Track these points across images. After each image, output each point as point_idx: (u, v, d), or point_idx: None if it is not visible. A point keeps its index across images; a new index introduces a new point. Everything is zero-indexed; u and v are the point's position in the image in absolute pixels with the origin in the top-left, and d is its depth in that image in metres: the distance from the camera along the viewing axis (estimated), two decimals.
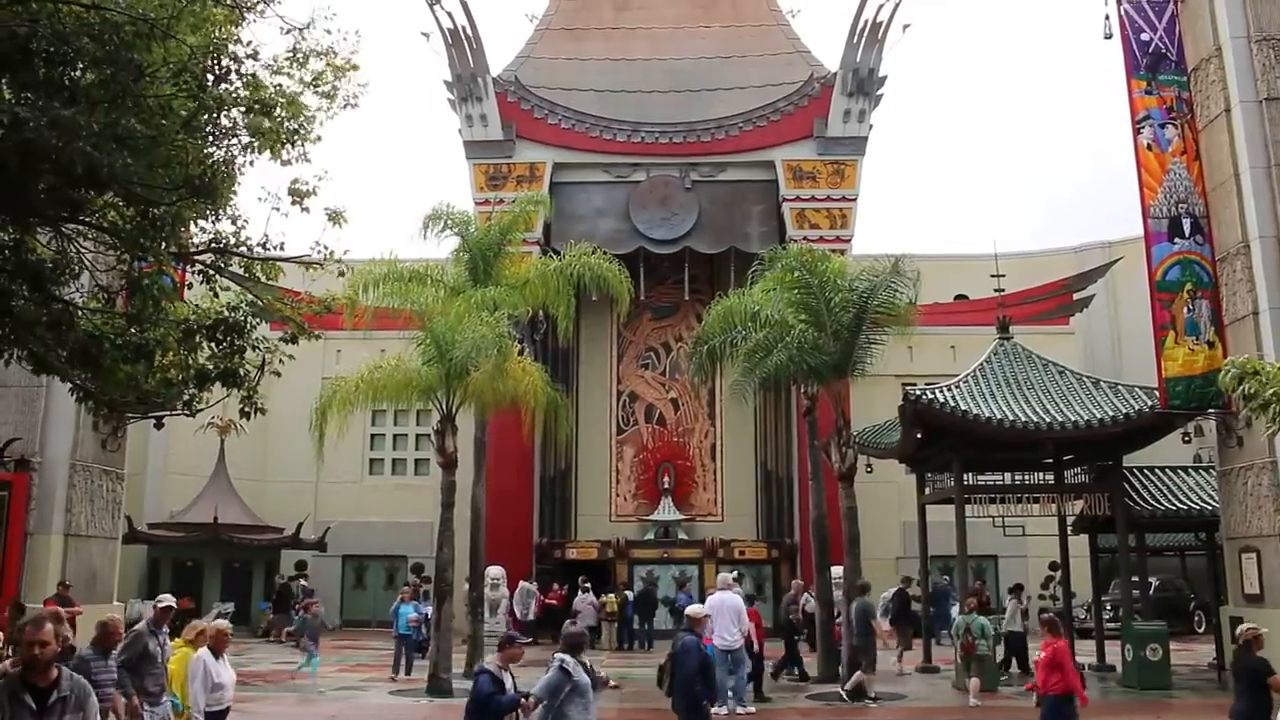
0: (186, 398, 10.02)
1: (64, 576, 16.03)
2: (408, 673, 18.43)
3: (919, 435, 18.62)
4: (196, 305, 9.63)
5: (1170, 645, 17.58)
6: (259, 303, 9.67)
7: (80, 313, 8.78)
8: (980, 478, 19.52)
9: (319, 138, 8.71)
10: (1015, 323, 21.23)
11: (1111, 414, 17.54)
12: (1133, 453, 19.38)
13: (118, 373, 8.79)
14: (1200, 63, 17.81)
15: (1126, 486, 19.02)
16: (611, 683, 9.06)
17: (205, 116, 8.03)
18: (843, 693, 16.16)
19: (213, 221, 8.95)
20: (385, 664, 19.05)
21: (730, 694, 14.68)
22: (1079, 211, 72.24)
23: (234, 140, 8.49)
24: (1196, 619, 26.18)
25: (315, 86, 8.64)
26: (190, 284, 12.22)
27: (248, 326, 9.36)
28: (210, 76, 7.96)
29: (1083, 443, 18.58)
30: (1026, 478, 19.80)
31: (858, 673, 16.07)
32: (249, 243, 8.93)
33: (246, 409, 9.57)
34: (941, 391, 18.28)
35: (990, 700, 16.03)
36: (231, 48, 8.19)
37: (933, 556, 22.10)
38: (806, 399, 20.09)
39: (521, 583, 26.97)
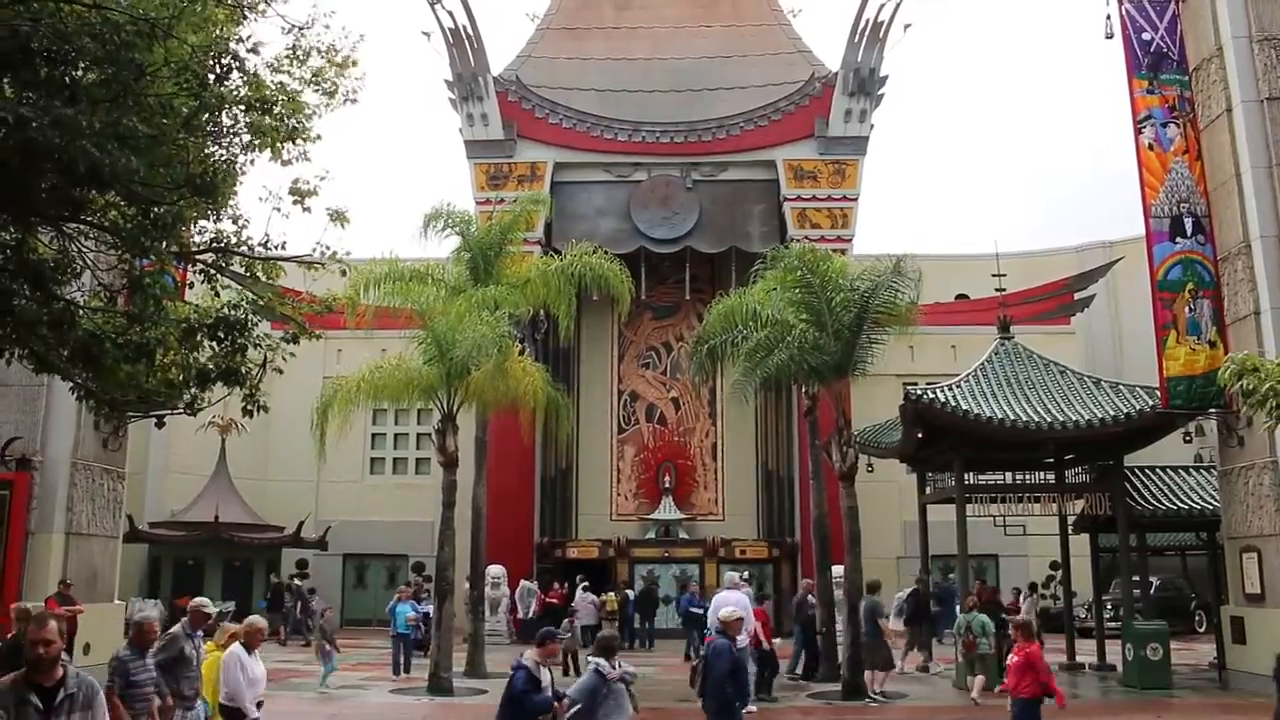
0: (188, 397, 10.02)
1: (65, 575, 16.02)
2: (406, 671, 18.44)
3: (920, 435, 18.62)
4: (197, 305, 9.63)
5: (1171, 645, 17.59)
6: (260, 301, 9.67)
7: (81, 312, 8.78)
8: (981, 477, 19.53)
9: (319, 135, 8.71)
10: (1016, 322, 21.24)
11: (1112, 414, 17.54)
12: (1134, 452, 19.38)
13: (119, 372, 8.79)
14: (1202, 62, 17.81)
15: (1127, 486, 19.02)
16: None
17: (206, 115, 8.04)
18: (874, 694, 16.13)
19: (214, 221, 8.96)
20: (386, 663, 19.05)
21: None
22: (1080, 211, 72.27)
23: (235, 139, 8.49)
24: (1197, 618, 26.18)
25: (315, 83, 8.64)
26: (191, 283, 12.21)
27: (249, 325, 9.36)
28: (211, 75, 7.96)
29: (1084, 442, 18.58)
30: (1027, 477, 19.80)
31: (879, 671, 16.12)
32: (250, 242, 8.93)
33: (249, 407, 9.57)
34: (942, 391, 18.28)
35: (990, 700, 16.03)
36: (233, 46, 8.20)
37: (934, 556, 22.12)
38: (807, 398, 20.09)
39: (523, 581, 27.02)
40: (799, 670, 18.39)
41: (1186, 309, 17.29)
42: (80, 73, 7.26)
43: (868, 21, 29.54)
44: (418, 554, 29.14)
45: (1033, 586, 22.02)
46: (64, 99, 6.90)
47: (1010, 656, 10.72)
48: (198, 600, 9.56)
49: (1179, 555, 27.19)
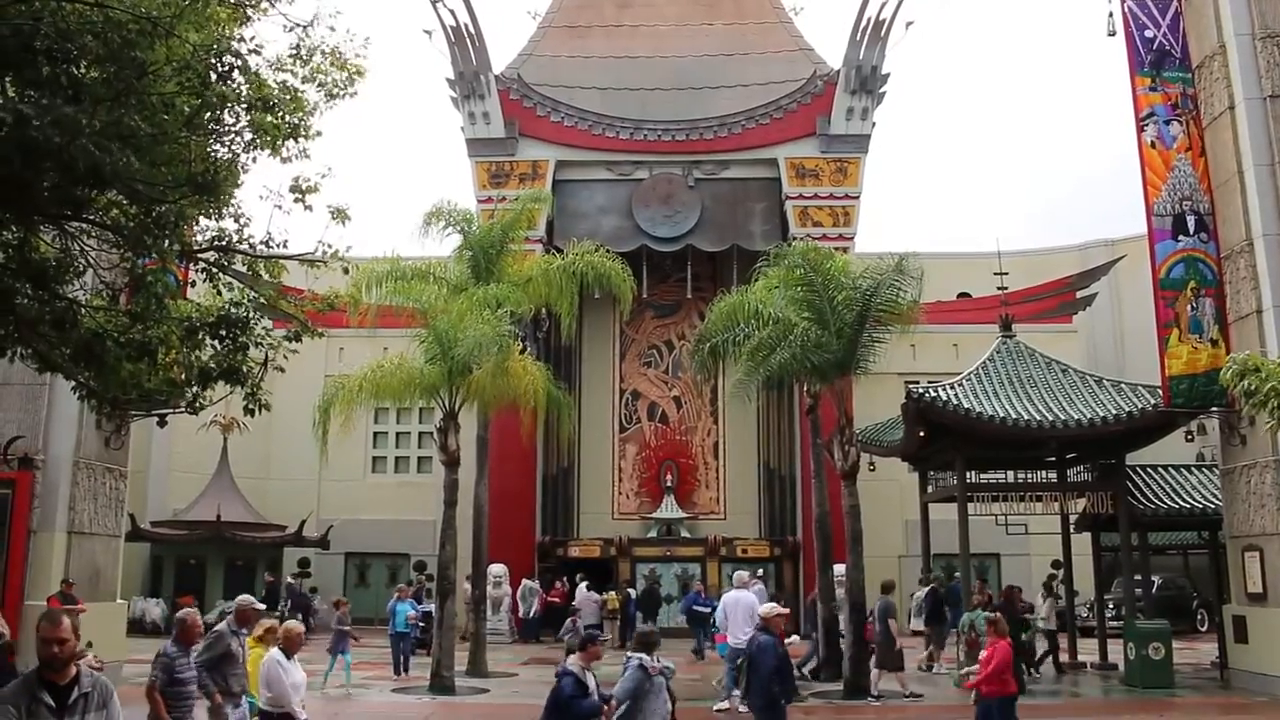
0: (189, 395, 10.00)
1: (67, 574, 16.05)
2: (406, 671, 18.44)
3: (922, 433, 18.62)
4: (199, 303, 9.62)
5: (1173, 644, 17.57)
6: (262, 299, 9.66)
7: (84, 310, 8.77)
8: (983, 476, 19.52)
9: (320, 133, 8.69)
10: (1018, 321, 21.21)
11: (1114, 412, 17.52)
12: (1136, 451, 19.37)
13: (121, 370, 8.77)
14: (1204, 60, 17.79)
15: (1129, 485, 19.01)
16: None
17: (208, 114, 8.03)
18: (876, 693, 16.13)
19: (216, 219, 8.94)
20: (387, 662, 19.05)
21: (736, 691, 14.71)
22: (1082, 209, 72.19)
23: (237, 138, 8.48)
24: (1199, 618, 26.17)
25: (315, 80, 8.62)
26: (193, 282, 12.21)
27: (251, 323, 9.35)
28: (213, 74, 7.95)
29: (1085, 441, 18.56)
30: (1029, 476, 19.79)
31: (889, 671, 16.14)
32: (252, 240, 8.91)
33: (250, 406, 9.55)
34: (944, 390, 18.27)
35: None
36: (235, 45, 8.18)
37: (935, 555, 22.11)
38: (809, 397, 20.09)
39: (525, 580, 27.06)
40: (806, 670, 18.40)
41: (1189, 307, 17.27)
42: (82, 71, 7.25)
43: (869, 19, 29.52)
44: (419, 553, 29.15)
45: (1049, 586, 21.81)
46: (66, 97, 6.89)
47: (982, 653, 10.66)
48: (244, 598, 9.51)
49: (1181, 554, 27.24)
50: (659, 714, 7.93)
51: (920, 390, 18.05)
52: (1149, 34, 18.19)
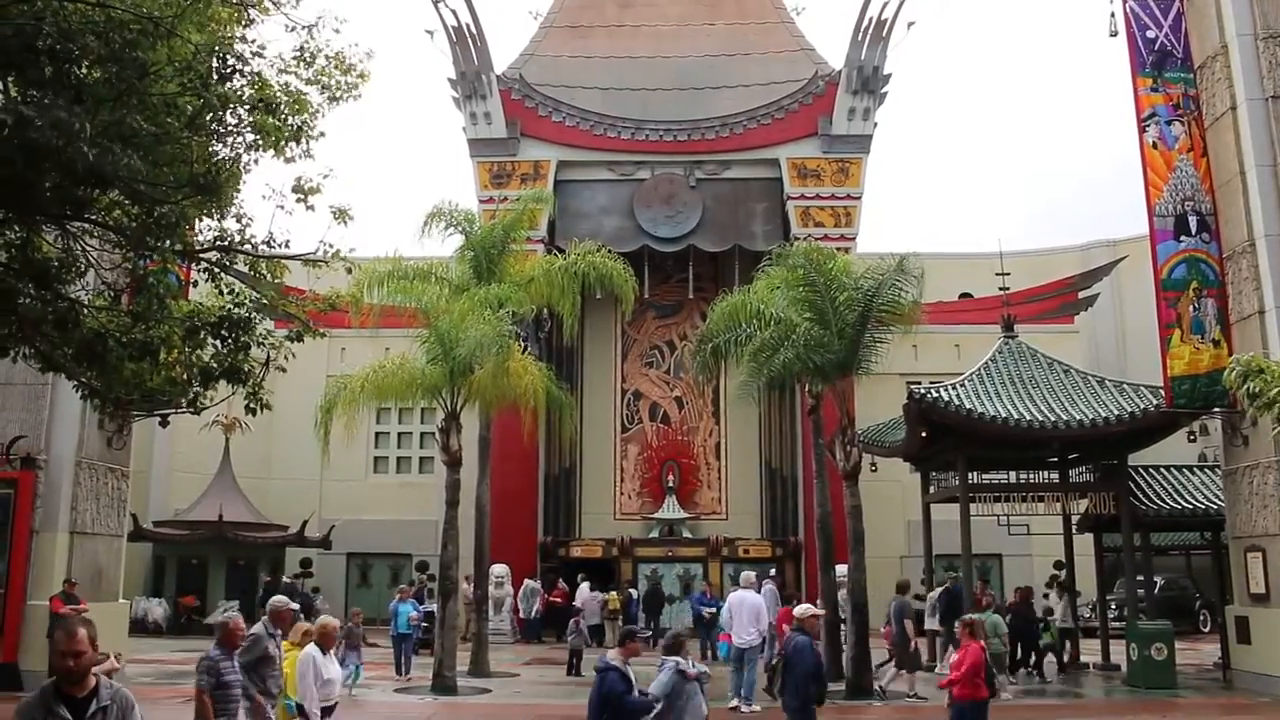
0: (191, 395, 10.02)
1: (69, 574, 16.05)
2: (407, 671, 18.43)
3: (924, 434, 18.60)
4: (201, 303, 9.63)
5: (1175, 645, 17.56)
6: (263, 300, 9.67)
7: (86, 310, 8.78)
8: (985, 476, 19.51)
9: (322, 133, 8.70)
10: (1020, 321, 21.19)
11: (1116, 413, 17.50)
12: (1138, 452, 19.36)
13: (123, 370, 8.79)
14: (1206, 60, 17.77)
15: (1131, 485, 19.00)
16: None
17: (210, 115, 8.04)
18: (912, 692, 16.15)
19: (218, 219, 8.96)
20: (388, 662, 19.04)
21: (739, 691, 14.73)
22: (1084, 209, 72.17)
23: (239, 138, 8.49)
24: (1202, 618, 26.14)
25: (319, 83, 8.62)
26: (195, 282, 12.23)
27: (252, 323, 9.36)
28: (215, 75, 7.96)
29: (1088, 441, 18.55)
30: (1031, 476, 19.78)
31: (905, 672, 16.14)
32: (254, 240, 8.92)
33: (252, 405, 9.57)
34: (946, 390, 18.26)
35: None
36: (237, 46, 8.19)
37: (937, 555, 22.10)
38: (811, 397, 20.07)
39: (526, 580, 27.05)
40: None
41: (1191, 308, 17.25)
42: (84, 71, 7.26)
43: (871, 19, 29.51)
44: (421, 553, 29.14)
45: (1064, 587, 21.73)
46: (68, 98, 6.90)
47: (954, 655, 10.64)
48: (279, 598, 9.45)
49: (1183, 555, 27.20)
50: (697, 717, 7.87)
51: (922, 390, 18.04)
52: (1151, 34, 18.17)
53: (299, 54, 8.49)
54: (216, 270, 9.21)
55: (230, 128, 8.36)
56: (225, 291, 9.42)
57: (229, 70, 8.01)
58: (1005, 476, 19.70)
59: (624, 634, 7.97)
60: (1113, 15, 18.41)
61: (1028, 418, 17.63)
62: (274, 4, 8.37)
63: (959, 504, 18.64)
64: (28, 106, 6.69)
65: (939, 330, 27.17)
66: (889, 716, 15.20)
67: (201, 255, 9.08)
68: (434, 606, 19.59)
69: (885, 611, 17.37)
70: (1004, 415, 17.59)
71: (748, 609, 15.16)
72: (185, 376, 9.60)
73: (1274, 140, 16.59)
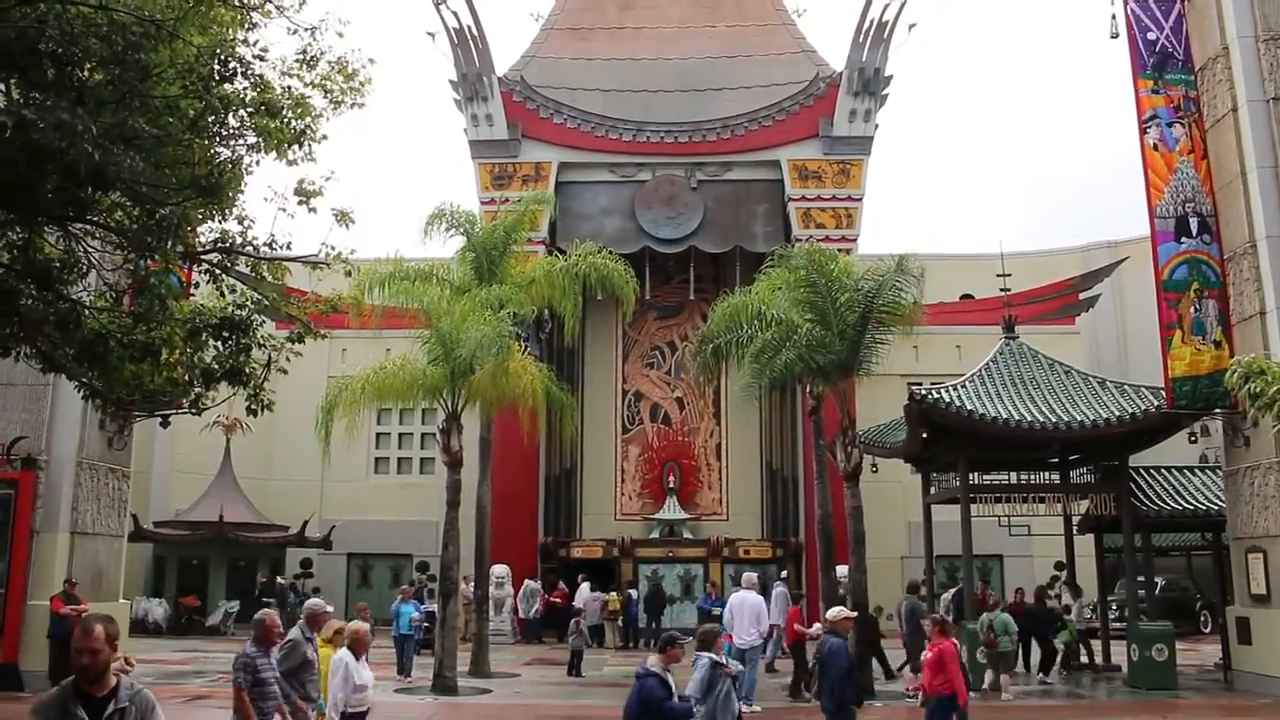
0: (192, 396, 10.04)
1: (70, 574, 16.07)
2: (408, 672, 18.44)
3: (924, 435, 18.61)
4: (202, 305, 9.64)
5: (1176, 645, 17.57)
6: (265, 301, 9.68)
7: (87, 311, 8.80)
8: (986, 477, 19.51)
9: (325, 137, 8.72)
10: (1021, 322, 21.20)
11: (1117, 414, 17.51)
12: (1139, 452, 19.36)
13: (124, 371, 8.81)
14: (1207, 62, 17.78)
15: (1132, 486, 18.99)
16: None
17: (212, 117, 8.05)
18: (912, 692, 16.16)
19: (219, 221, 8.97)
20: (390, 662, 19.05)
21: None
22: (1084, 211, 72.14)
23: (240, 141, 8.50)
24: (1202, 619, 26.13)
25: (323, 88, 8.64)
26: (197, 283, 12.25)
27: (254, 324, 9.37)
28: (217, 77, 7.97)
29: (1088, 442, 18.56)
30: (1032, 477, 19.78)
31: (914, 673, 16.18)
32: (255, 242, 8.94)
33: (253, 406, 9.58)
34: (947, 391, 18.27)
35: (991, 699, 16.06)
36: (239, 50, 8.21)
37: (938, 556, 22.10)
38: (812, 398, 20.08)
39: (527, 581, 27.07)
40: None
41: (1192, 309, 17.25)
42: (86, 73, 7.27)
43: (872, 21, 29.52)
44: (422, 554, 29.16)
45: (1074, 585, 21.70)
46: (70, 100, 6.92)
47: (926, 654, 10.66)
48: (315, 601, 9.40)
49: (1184, 556, 27.23)
50: (731, 714, 7.84)
51: (923, 391, 18.05)
52: (1151, 36, 18.18)
53: (302, 57, 8.51)
54: (218, 272, 9.22)
55: (232, 130, 8.38)
56: (227, 293, 9.43)
57: (231, 73, 8.02)
58: (1006, 477, 19.70)
59: (664, 640, 7.77)
60: (1114, 17, 18.42)
61: (1029, 419, 17.63)
62: (277, 7, 8.39)
63: (960, 505, 18.64)
64: (30, 109, 6.70)
65: (940, 331, 27.18)
66: (889, 716, 15.20)
67: (203, 257, 9.10)
68: (434, 607, 19.60)
69: (896, 611, 17.40)
70: (1005, 416, 17.59)
71: (749, 609, 15.19)
72: (187, 377, 9.61)
73: (1275, 142, 16.60)
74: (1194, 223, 17.48)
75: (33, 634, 15.58)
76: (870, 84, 29.68)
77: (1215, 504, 18.54)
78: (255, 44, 8.44)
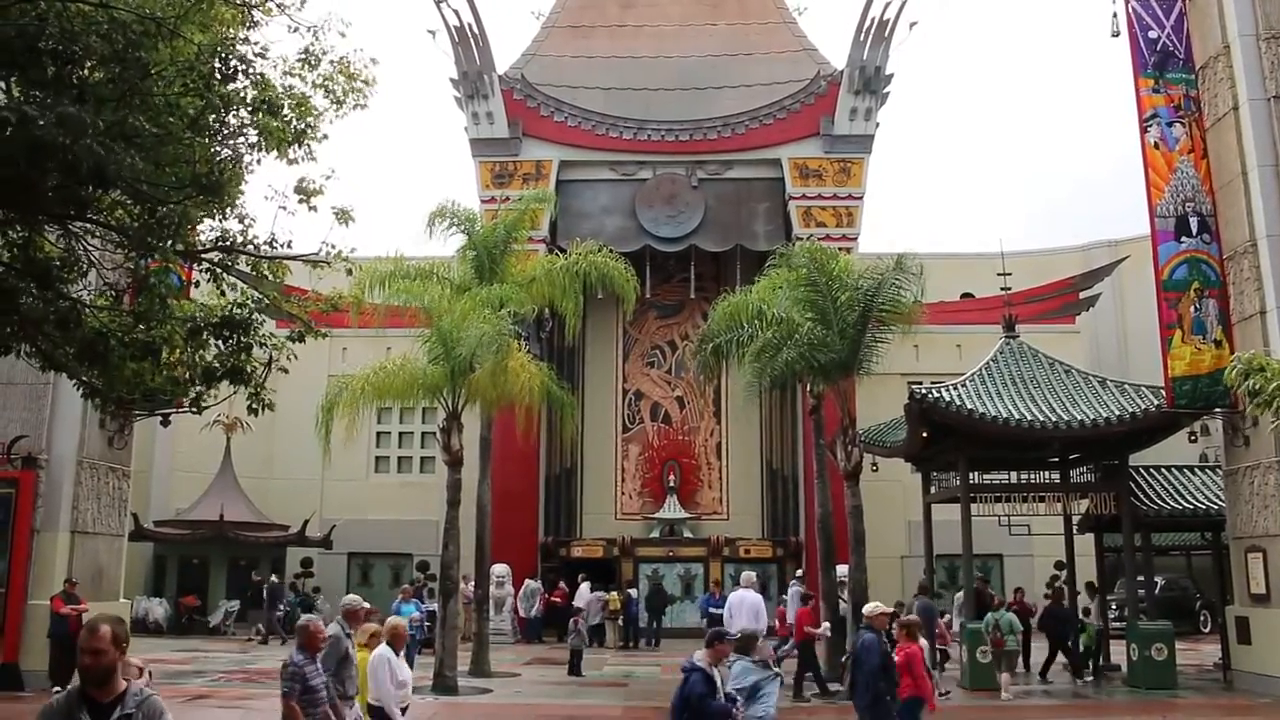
0: (193, 395, 10.03)
1: (70, 573, 16.07)
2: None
3: (925, 434, 18.60)
4: (202, 304, 9.64)
5: (1176, 645, 17.57)
6: (265, 300, 9.68)
7: (88, 310, 8.80)
8: (986, 476, 19.50)
9: (325, 136, 8.71)
10: (1021, 321, 21.17)
11: (1117, 413, 17.50)
12: (1139, 452, 19.34)
13: (124, 370, 8.80)
14: (1208, 60, 17.77)
15: (1132, 486, 18.98)
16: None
17: (212, 115, 8.05)
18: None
19: (220, 220, 8.97)
20: None
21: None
22: (1085, 210, 72.12)
23: (241, 139, 8.50)
24: (1202, 619, 26.13)
25: (325, 89, 8.63)
26: (197, 282, 12.25)
27: (254, 323, 9.37)
28: (218, 76, 7.97)
29: (1089, 442, 18.55)
30: (1032, 477, 19.77)
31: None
32: (256, 241, 8.93)
33: (254, 405, 9.58)
34: (947, 390, 18.26)
35: (986, 699, 16.06)
36: (240, 48, 8.20)
37: (938, 556, 22.09)
38: (812, 397, 20.08)
39: (527, 580, 27.07)
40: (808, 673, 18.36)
41: (1192, 308, 17.25)
42: (87, 72, 7.27)
43: (873, 20, 29.51)
44: (422, 553, 29.14)
45: (1091, 587, 21.62)
46: (71, 98, 6.91)
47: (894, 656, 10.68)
48: (352, 598, 9.32)
49: (1184, 555, 27.18)
50: (766, 713, 7.93)
51: (923, 391, 18.04)
52: (1153, 35, 18.17)
53: (303, 56, 8.50)
54: (219, 270, 9.22)
55: (233, 129, 8.38)
56: (227, 292, 9.42)
57: (232, 71, 8.01)
58: (1006, 477, 19.69)
59: (712, 635, 7.75)
60: (1115, 16, 18.41)
61: (1029, 418, 17.63)
62: (278, 5, 8.38)
63: (960, 504, 18.63)
64: (31, 106, 6.69)
65: (940, 330, 27.16)
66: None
67: (203, 255, 9.09)
68: (434, 606, 19.59)
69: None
70: (1005, 415, 17.59)
71: (748, 607, 15.21)
72: (187, 376, 9.61)
73: (1276, 141, 16.59)
74: (1194, 222, 17.48)
75: (33, 634, 15.57)
76: (871, 82, 29.66)
77: (1215, 503, 18.53)
78: (256, 43, 8.44)
